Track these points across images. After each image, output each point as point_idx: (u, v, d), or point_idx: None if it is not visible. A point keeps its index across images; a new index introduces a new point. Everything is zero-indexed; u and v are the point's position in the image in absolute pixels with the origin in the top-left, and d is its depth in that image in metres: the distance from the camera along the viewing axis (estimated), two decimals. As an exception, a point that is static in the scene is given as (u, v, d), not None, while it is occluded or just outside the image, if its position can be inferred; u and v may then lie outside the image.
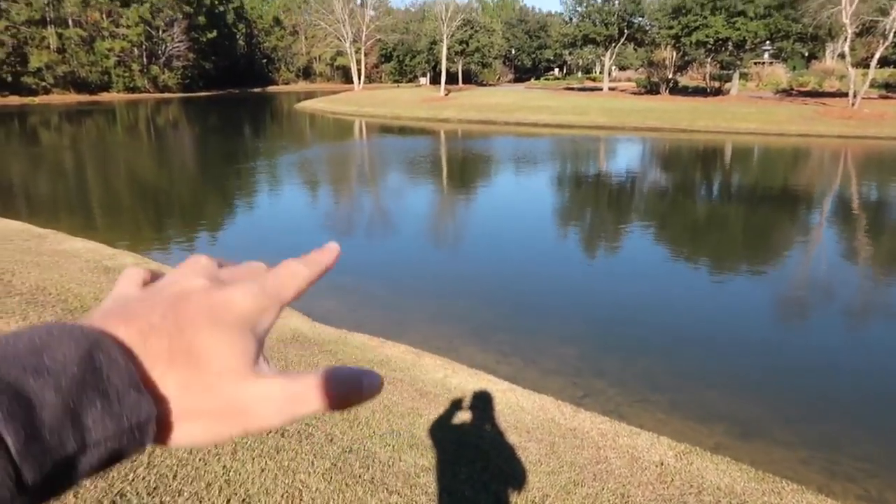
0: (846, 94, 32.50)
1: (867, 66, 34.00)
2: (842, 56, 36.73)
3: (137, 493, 2.81)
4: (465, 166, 21.39)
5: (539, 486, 3.32)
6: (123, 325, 0.30)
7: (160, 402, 0.29)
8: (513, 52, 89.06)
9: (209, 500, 2.83)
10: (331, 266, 0.40)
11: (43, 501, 0.26)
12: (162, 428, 0.30)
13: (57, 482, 0.26)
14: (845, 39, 32.36)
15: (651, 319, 7.29)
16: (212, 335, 0.31)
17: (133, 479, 2.90)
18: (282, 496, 2.92)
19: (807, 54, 58.32)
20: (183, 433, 0.31)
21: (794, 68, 54.92)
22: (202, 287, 0.34)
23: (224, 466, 3.09)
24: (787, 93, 42.91)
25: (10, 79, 56.54)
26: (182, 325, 0.31)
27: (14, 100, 55.20)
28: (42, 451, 0.25)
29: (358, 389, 0.34)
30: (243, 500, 2.86)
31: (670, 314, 7.54)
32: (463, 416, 4.12)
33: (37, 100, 56.21)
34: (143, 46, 66.76)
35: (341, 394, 0.33)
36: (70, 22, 62.26)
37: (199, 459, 3.12)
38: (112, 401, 0.27)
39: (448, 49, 53.01)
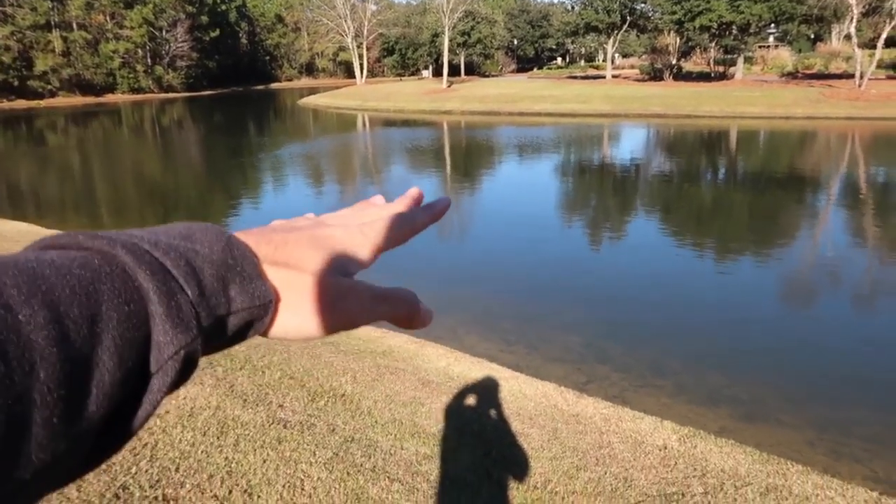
0: (853, 76, 32.21)
1: (874, 47, 33.64)
2: (848, 37, 36.39)
3: (140, 486, 2.83)
4: (468, 156, 21.35)
5: (541, 471, 3.32)
6: (243, 235, 0.38)
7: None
8: (515, 42, 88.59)
9: (211, 491, 2.85)
10: (432, 221, 0.47)
11: (206, 353, 0.34)
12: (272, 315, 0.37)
13: (215, 337, 0.34)
14: (851, 20, 32.04)
15: (656, 305, 7.27)
16: (310, 250, 0.39)
17: (136, 473, 2.92)
18: (283, 486, 2.93)
19: (812, 36, 57.79)
20: (281, 324, 0.37)
21: (800, 51, 54.39)
22: (309, 224, 0.42)
23: (226, 458, 3.11)
24: (793, 76, 42.50)
25: (16, 83, 56.79)
26: (287, 241, 0.39)
27: (21, 103, 55.47)
28: (207, 306, 0.32)
29: (417, 311, 0.42)
30: (245, 491, 2.87)
31: (675, 299, 7.52)
32: (465, 405, 4.13)
33: (43, 103, 56.44)
34: (147, 47, 66.88)
35: (409, 309, 0.41)
36: (74, 25, 62.43)
37: (202, 452, 3.14)
38: (246, 283, 0.35)
39: (450, 41, 52.82)
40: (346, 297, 0.39)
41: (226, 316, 0.34)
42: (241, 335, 0.36)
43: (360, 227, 0.43)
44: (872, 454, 4.37)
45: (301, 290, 0.38)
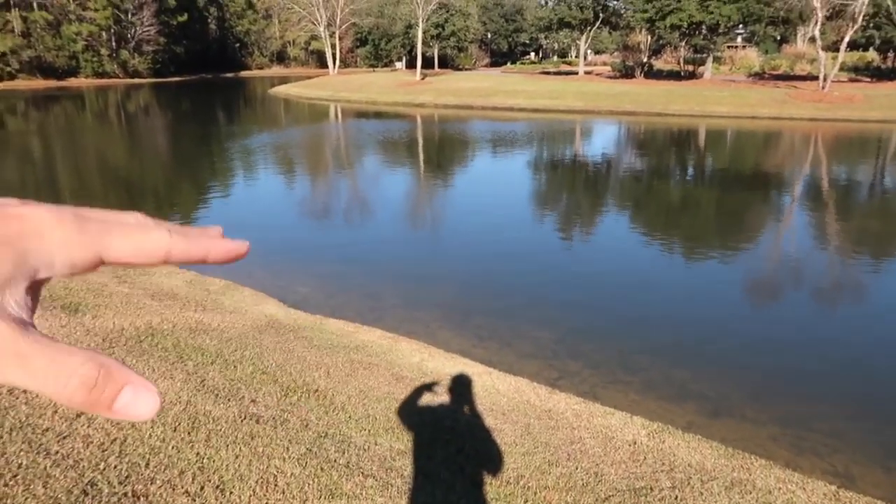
0: (817, 78, 32.91)
1: (837, 50, 34.43)
2: (812, 40, 37.18)
3: (109, 482, 2.78)
4: (441, 150, 21.33)
5: (514, 466, 3.35)
6: None
7: None
8: (489, 35, 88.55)
9: (182, 487, 2.82)
10: (217, 261, 0.33)
11: None
12: None
13: None
14: (816, 23, 32.71)
15: (625, 301, 7.37)
16: None
17: (104, 469, 2.87)
18: (256, 482, 2.91)
19: (779, 38, 58.92)
20: None
21: (767, 52, 55.40)
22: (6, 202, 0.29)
23: (197, 454, 3.07)
24: (760, 76, 43.31)
25: (-27, 64, 55.00)
26: None
27: (-22, 86, 53.72)
28: None
29: (104, 404, 0.27)
30: (217, 487, 2.84)
31: (644, 296, 7.63)
32: (439, 400, 4.14)
33: (1, 85, 54.68)
34: (112, 30, 65.15)
35: (77, 395, 0.26)
36: (35, 5, 60.51)
37: (172, 447, 3.10)
38: None
39: (424, 33, 52.59)
40: None
41: None
42: None
43: (80, 217, 0.29)
44: (831, 449, 4.50)
45: None
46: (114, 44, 66.22)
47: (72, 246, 0.28)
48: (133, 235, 0.30)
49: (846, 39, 32.30)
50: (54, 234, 0.28)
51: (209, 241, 0.33)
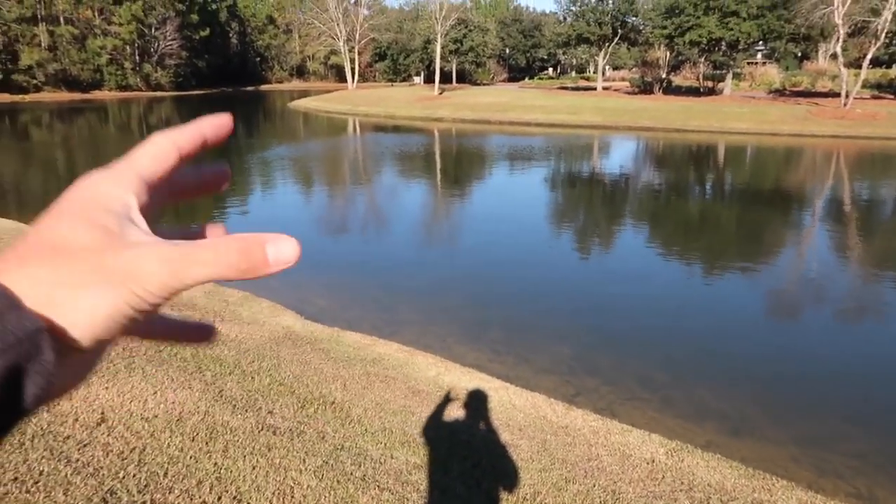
0: (838, 95, 32.65)
1: (859, 67, 34.17)
2: (834, 56, 36.91)
3: (128, 491, 2.80)
4: (458, 164, 21.39)
5: (530, 482, 3.33)
6: (4, 258, 0.30)
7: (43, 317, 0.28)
8: (507, 51, 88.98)
9: (200, 497, 2.83)
10: (211, 140, 0.39)
11: None
12: (58, 332, 0.29)
13: None
14: (837, 40, 32.51)
15: (644, 318, 7.32)
16: (71, 224, 0.30)
17: (123, 477, 2.89)
18: (273, 493, 2.91)
19: (799, 54, 58.66)
20: (77, 321, 0.29)
21: (787, 68, 55.11)
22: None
23: (215, 464, 3.08)
24: (780, 93, 43.04)
25: (0, 77, 56.18)
26: (52, 229, 0.30)
27: (4, 97, 54.76)
28: None
29: (261, 262, 0.31)
30: (234, 498, 2.85)
31: (663, 313, 7.57)
32: (455, 414, 4.13)
33: (27, 98, 55.83)
34: (136, 44, 66.42)
35: (240, 265, 0.31)
36: (61, 19, 61.91)
37: (191, 457, 3.12)
38: None
39: (442, 48, 53.02)
40: (140, 262, 0.30)
41: None
42: (14, 381, 0.27)
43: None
44: (855, 471, 4.42)
45: (79, 275, 0.29)
46: (137, 57, 67.46)
47: (127, 186, 0.34)
48: (147, 156, 0.36)
49: (868, 56, 32.05)
50: (113, 183, 0.33)
51: (198, 126, 0.38)
